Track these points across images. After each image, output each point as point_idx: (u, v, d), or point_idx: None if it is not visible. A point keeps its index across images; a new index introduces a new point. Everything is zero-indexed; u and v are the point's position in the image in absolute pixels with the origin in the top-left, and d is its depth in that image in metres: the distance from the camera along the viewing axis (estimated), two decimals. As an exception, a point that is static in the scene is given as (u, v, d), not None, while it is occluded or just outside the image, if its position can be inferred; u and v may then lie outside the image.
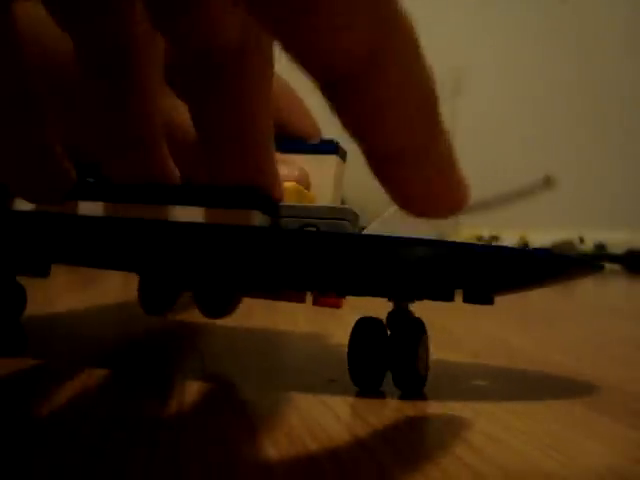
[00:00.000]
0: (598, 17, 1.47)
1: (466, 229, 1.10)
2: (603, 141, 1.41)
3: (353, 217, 0.21)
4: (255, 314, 0.38)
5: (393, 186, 0.15)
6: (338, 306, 0.22)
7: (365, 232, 0.21)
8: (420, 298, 0.22)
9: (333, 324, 0.37)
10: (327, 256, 0.20)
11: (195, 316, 0.38)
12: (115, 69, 0.18)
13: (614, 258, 1.12)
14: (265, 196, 0.20)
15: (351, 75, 0.13)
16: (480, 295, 0.20)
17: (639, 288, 0.85)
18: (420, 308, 0.21)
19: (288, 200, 0.22)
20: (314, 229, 0.20)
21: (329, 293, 0.23)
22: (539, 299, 0.66)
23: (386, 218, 0.21)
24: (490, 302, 0.21)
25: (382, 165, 0.14)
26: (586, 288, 0.85)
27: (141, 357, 0.27)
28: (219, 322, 0.35)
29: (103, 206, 0.20)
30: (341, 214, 0.20)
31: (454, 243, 0.19)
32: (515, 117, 1.37)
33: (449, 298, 0.21)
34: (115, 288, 0.59)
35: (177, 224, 0.20)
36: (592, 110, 1.43)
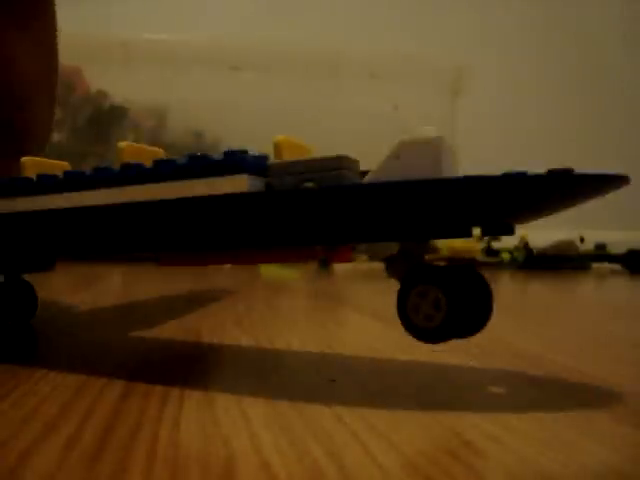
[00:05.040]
0: (599, 17, 1.47)
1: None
2: (603, 141, 1.41)
3: (352, 164, 0.20)
4: (255, 318, 0.38)
5: None
6: (350, 260, 0.22)
7: (367, 179, 0.19)
8: (435, 237, 0.20)
9: (332, 324, 0.37)
10: (330, 210, 0.19)
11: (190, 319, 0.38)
12: None
13: (614, 258, 1.12)
14: (253, 157, 0.20)
15: None
16: (499, 226, 0.19)
17: (639, 288, 0.85)
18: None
19: (280, 155, 0.21)
20: (311, 184, 0.19)
21: (339, 247, 0.21)
22: (539, 299, 0.66)
23: (385, 163, 0.19)
24: (511, 232, 0.19)
25: None
26: (586, 288, 0.85)
27: (141, 359, 0.27)
28: (221, 324, 0.35)
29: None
30: (338, 164, 0.19)
31: (459, 179, 0.18)
32: (515, 117, 1.38)
33: (466, 234, 0.19)
34: (115, 288, 0.59)
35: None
36: (592, 110, 1.43)
